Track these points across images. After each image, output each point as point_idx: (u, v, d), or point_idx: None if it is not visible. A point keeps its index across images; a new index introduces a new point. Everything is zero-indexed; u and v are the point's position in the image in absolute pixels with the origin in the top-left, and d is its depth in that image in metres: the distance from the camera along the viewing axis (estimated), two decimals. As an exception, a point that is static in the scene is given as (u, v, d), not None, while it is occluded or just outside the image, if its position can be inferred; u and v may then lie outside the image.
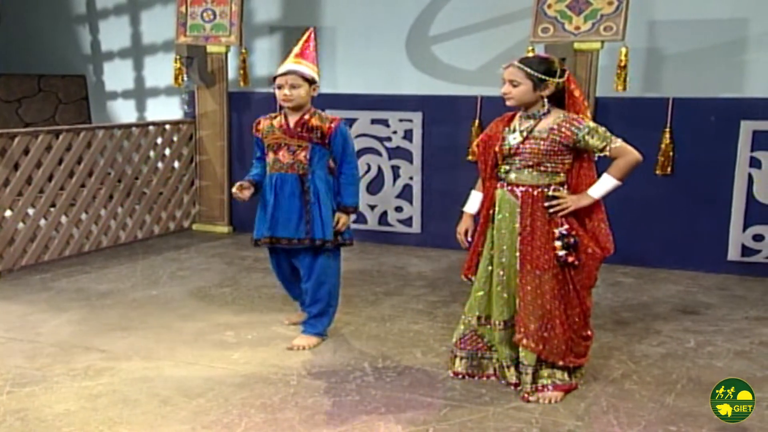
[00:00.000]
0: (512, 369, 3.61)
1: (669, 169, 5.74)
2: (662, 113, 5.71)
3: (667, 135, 5.70)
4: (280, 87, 4.00)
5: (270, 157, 4.14)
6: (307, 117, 4.05)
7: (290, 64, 4.04)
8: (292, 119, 4.07)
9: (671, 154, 5.72)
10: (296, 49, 4.12)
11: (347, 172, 4.13)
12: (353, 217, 4.21)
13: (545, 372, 3.52)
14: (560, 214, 3.41)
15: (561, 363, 3.51)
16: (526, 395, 3.50)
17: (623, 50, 5.62)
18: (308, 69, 4.04)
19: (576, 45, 5.69)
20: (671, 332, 4.50)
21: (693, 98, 5.74)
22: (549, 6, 5.77)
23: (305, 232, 4.04)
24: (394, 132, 6.55)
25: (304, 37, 4.15)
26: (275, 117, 4.17)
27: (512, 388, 3.61)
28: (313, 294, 4.19)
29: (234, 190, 4.15)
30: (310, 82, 4.03)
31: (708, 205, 5.75)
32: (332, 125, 4.05)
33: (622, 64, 5.63)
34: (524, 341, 3.48)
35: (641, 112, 5.81)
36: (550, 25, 5.76)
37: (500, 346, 3.63)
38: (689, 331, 4.53)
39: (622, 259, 5.78)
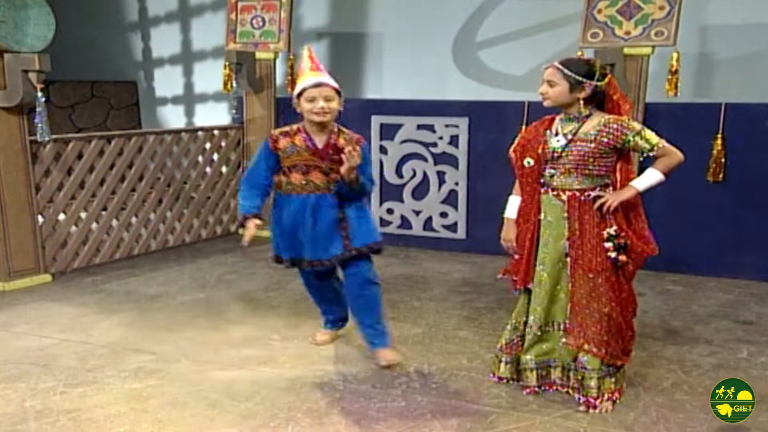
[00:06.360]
0: (529, 372, 3.59)
1: (721, 176, 5.61)
2: (714, 119, 5.59)
3: (719, 141, 5.57)
4: (312, 100, 3.73)
5: (296, 177, 3.85)
6: (334, 138, 3.84)
7: (317, 76, 3.77)
8: (319, 139, 3.83)
9: (723, 160, 5.60)
10: (307, 64, 3.83)
11: (367, 182, 3.90)
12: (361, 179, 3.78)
13: (609, 379, 3.48)
14: (603, 209, 3.36)
15: (618, 363, 3.48)
16: (593, 400, 3.44)
17: (674, 55, 5.53)
18: (334, 81, 3.82)
19: (626, 50, 5.63)
20: (723, 342, 4.41)
21: (746, 104, 5.62)
22: (599, 11, 5.72)
23: (343, 246, 3.87)
24: (440, 137, 6.53)
25: (307, 54, 3.86)
26: (294, 134, 3.87)
27: (524, 391, 3.59)
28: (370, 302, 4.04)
29: (250, 233, 3.84)
30: (339, 94, 3.81)
31: (761, 212, 5.61)
32: (356, 146, 3.75)
33: (674, 69, 5.55)
34: (586, 346, 3.42)
35: (692, 117, 5.70)
36: (600, 30, 5.70)
37: (527, 346, 3.60)
38: (741, 340, 4.43)
39: (671, 267, 5.72)
